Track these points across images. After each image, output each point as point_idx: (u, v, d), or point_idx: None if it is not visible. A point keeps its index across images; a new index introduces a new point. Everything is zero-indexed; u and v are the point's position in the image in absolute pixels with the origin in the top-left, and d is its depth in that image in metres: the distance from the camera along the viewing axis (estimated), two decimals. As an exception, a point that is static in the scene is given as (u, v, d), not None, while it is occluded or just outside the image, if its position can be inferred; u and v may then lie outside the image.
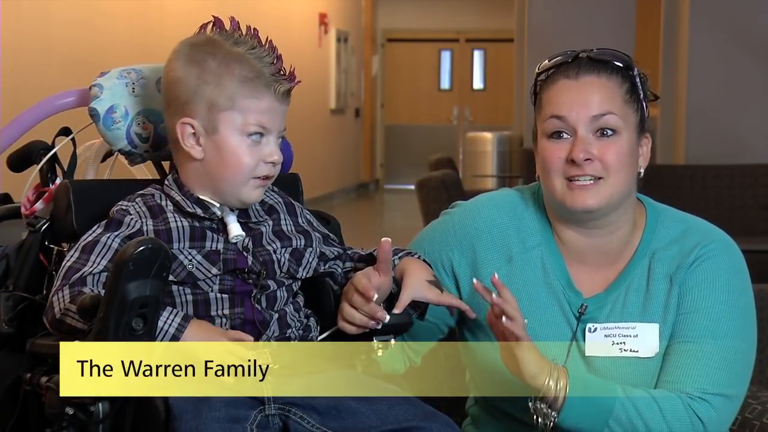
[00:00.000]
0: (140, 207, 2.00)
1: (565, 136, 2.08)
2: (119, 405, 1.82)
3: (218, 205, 2.00)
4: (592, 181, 2.07)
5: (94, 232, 1.97)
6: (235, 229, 1.99)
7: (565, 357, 2.11)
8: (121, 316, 1.73)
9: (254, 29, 2.02)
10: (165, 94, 2.03)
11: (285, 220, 2.08)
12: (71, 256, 1.94)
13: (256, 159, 1.98)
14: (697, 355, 2.08)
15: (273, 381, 1.92)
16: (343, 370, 2.01)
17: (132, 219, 1.97)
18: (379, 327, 2.01)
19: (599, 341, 2.12)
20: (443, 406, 2.23)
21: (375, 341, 2.04)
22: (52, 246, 2.08)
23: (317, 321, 2.07)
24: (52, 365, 1.91)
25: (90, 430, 1.83)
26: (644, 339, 2.11)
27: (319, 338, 2.05)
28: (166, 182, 2.05)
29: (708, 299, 2.10)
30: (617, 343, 2.11)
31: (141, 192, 2.04)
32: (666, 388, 2.08)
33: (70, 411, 1.83)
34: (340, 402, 1.90)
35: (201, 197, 2.00)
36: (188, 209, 2.00)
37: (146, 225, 1.97)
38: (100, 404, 1.81)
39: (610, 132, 2.07)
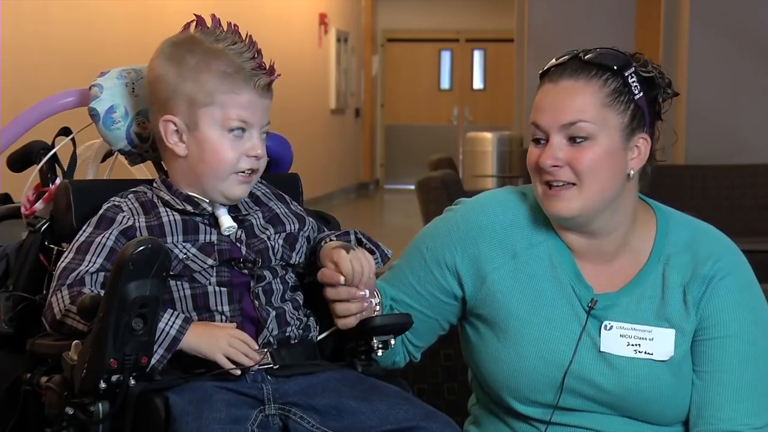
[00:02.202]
0: (132, 203, 2.00)
1: (542, 141, 2.10)
2: (119, 405, 1.81)
3: (208, 201, 2.01)
4: (563, 186, 2.07)
5: (85, 231, 1.97)
6: (226, 222, 2.00)
7: (573, 352, 2.11)
8: (121, 316, 1.73)
9: (235, 25, 2.03)
10: (148, 93, 2.04)
11: (277, 206, 2.09)
12: (66, 257, 1.95)
13: (238, 153, 1.99)
14: (742, 387, 2.09)
15: (273, 381, 1.92)
16: (343, 370, 2.01)
17: (124, 216, 1.98)
18: (377, 307, 2.03)
19: (614, 340, 2.12)
20: (443, 406, 2.23)
21: (375, 341, 2.04)
22: (52, 246, 2.08)
23: (317, 321, 2.07)
24: (52, 365, 1.92)
25: (90, 430, 1.83)
26: (660, 343, 2.11)
27: (319, 338, 2.05)
28: (154, 183, 2.06)
29: (738, 321, 2.11)
30: (632, 345, 2.11)
31: (133, 189, 2.05)
32: (716, 424, 2.09)
33: (70, 411, 1.83)
34: (340, 402, 1.90)
35: (190, 194, 2.01)
36: (178, 207, 2.00)
37: (138, 222, 1.98)
38: (100, 404, 1.81)
39: (581, 139, 2.07)
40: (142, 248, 1.72)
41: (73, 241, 1.97)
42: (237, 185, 2.00)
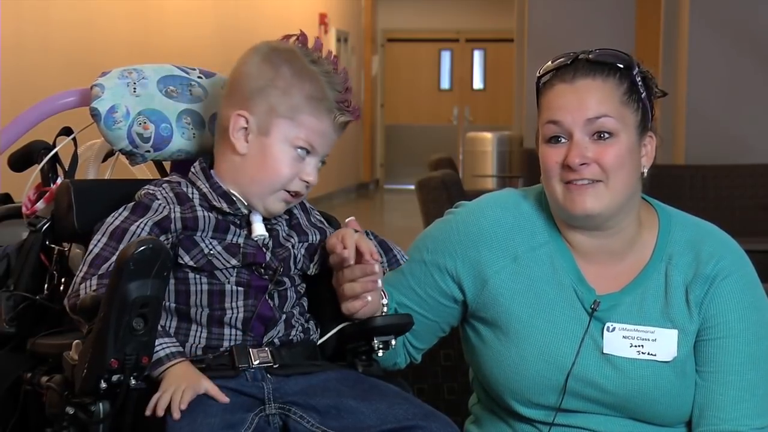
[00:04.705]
0: (167, 192, 1.99)
1: (562, 140, 2.09)
2: (119, 405, 1.82)
3: (246, 202, 2.01)
4: (589, 184, 2.07)
5: (121, 215, 1.95)
6: (258, 229, 2.00)
7: (575, 354, 2.11)
8: (122, 316, 1.73)
9: (335, 56, 2.05)
10: (230, 83, 2.04)
11: (299, 215, 2.09)
12: (99, 241, 1.92)
13: (293, 173, 1.99)
14: (745, 388, 2.10)
15: (273, 380, 1.92)
16: (342, 370, 2.01)
17: (160, 204, 1.96)
18: (384, 308, 2.04)
19: (617, 342, 2.12)
20: (443, 406, 2.23)
21: (375, 341, 2.04)
22: (53, 246, 2.08)
23: (317, 323, 2.07)
24: (52, 365, 1.92)
25: (90, 430, 1.83)
26: (662, 343, 2.11)
27: (320, 340, 2.06)
28: (192, 170, 2.04)
29: (741, 321, 2.11)
30: (635, 346, 2.11)
31: (167, 178, 2.04)
32: (719, 425, 2.10)
33: (70, 411, 1.83)
34: (339, 401, 1.91)
35: (229, 191, 2.00)
36: (214, 203, 1.99)
37: (174, 212, 1.96)
38: (100, 404, 1.81)
39: (606, 135, 2.07)
40: (143, 248, 1.72)
41: (107, 224, 1.94)
42: (279, 202, 2.01)
